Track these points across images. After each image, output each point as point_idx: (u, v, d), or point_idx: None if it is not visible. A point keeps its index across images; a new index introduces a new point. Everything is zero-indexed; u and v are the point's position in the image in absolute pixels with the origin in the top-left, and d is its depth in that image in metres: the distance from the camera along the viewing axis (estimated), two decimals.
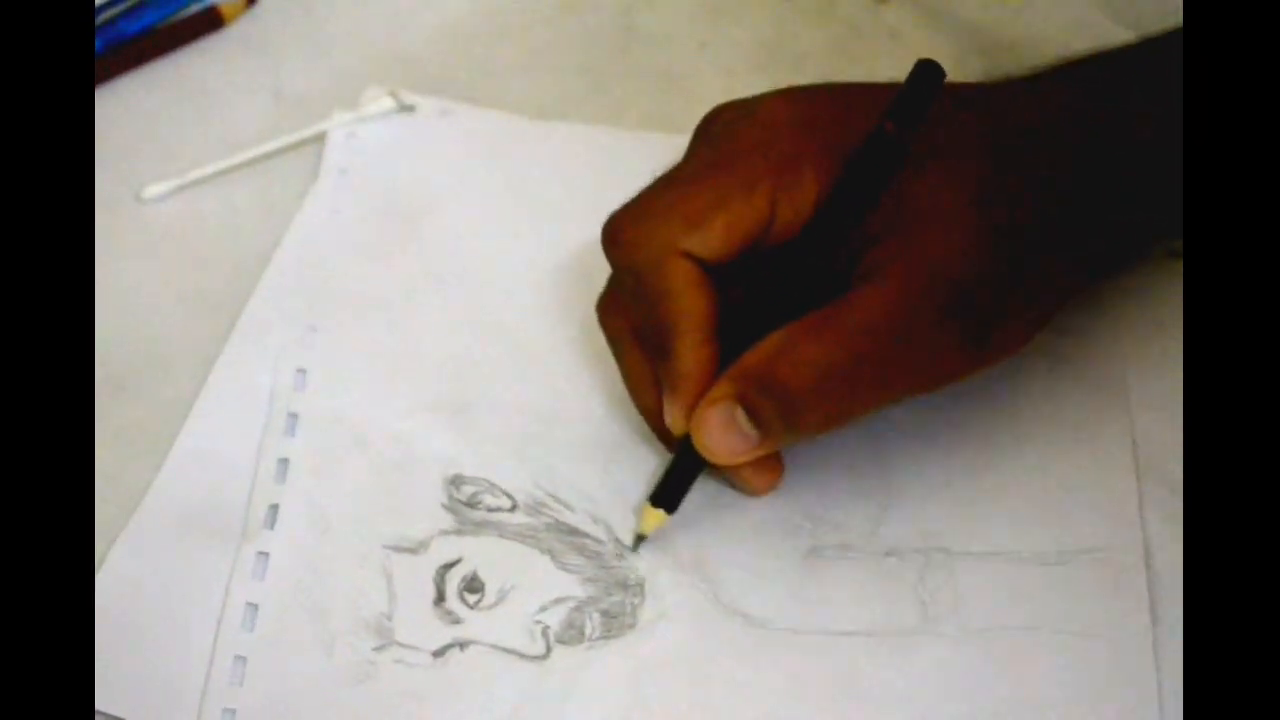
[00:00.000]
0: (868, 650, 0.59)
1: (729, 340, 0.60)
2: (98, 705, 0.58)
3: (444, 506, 0.63)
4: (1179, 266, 0.67)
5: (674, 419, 0.60)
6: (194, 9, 0.79)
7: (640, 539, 0.62)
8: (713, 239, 0.59)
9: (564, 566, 0.61)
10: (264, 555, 0.61)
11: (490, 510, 0.63)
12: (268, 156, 0.74)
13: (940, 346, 0.58)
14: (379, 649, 0.59)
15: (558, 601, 0.60)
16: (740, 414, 0.58)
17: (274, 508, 0.63)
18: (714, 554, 0.61)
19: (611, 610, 0.60)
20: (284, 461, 0.64)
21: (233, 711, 0.58)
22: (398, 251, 0.69)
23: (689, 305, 0.59)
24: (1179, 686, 0.58)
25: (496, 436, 0.65)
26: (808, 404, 0.58)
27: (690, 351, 0.59)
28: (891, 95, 0.59)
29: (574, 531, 0.62)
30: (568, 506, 0.63)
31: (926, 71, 0.59)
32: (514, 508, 0.63)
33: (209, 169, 0.73)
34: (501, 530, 0.62)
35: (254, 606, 0.60)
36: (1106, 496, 0.62)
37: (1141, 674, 0.58)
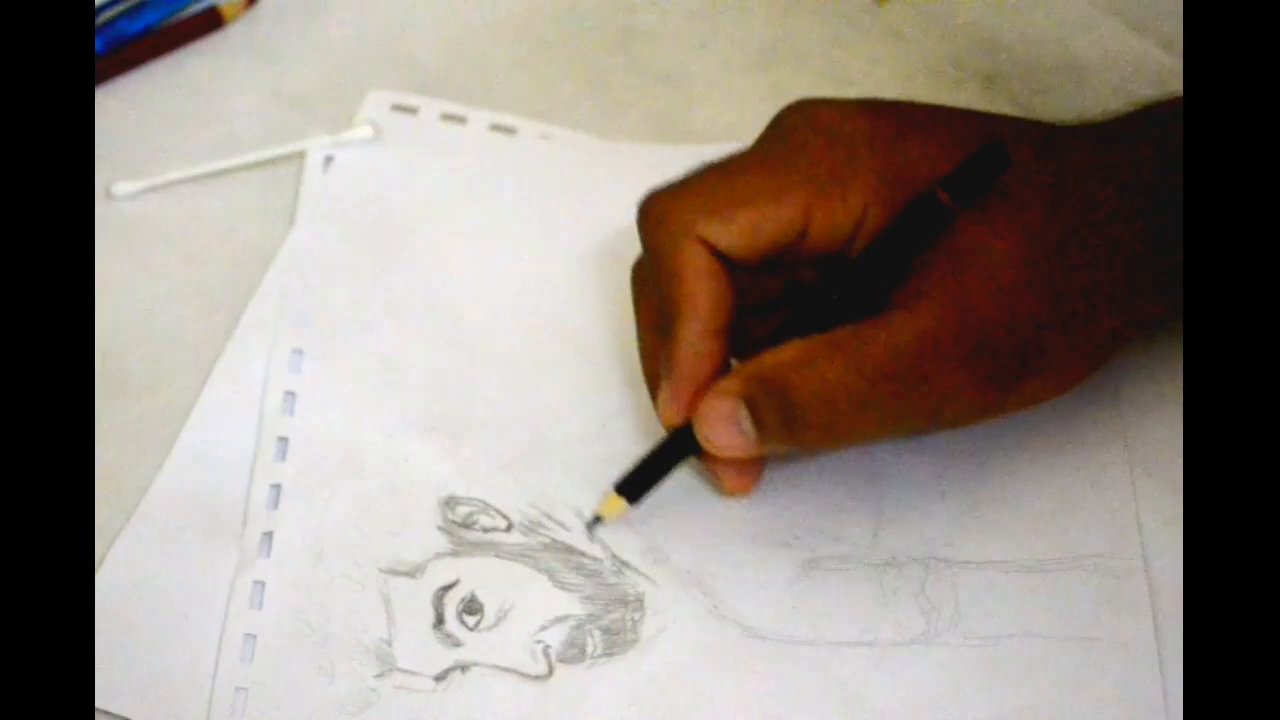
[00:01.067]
0: (870, 661, 0.59)
1: (749, 341, 0.60)
2: (98, 704, 0.58)
3: (439, 528, 0.62)
4: None
5: (662, 401, 0.60)
6: (194, 9, 0.79)
7: (597, 520, 0.62)
8: (733, 232, 0.59)
9: (562, 585, 0.61)
10: (260, 584, 0.61)
11: (486, 531, 0.62)
12: (253, 165, 0.74)
13: (959, 389, 0.58)
14: (380, 675, 0.59)
15: (558, 620, 0.60)
16: (744, 412, 0.58)
17: (268, 535, 0.62)
18: (713, 567, 0.61)
19: (612, 627, 0.60)
20: (276, 487, 0.64)
21: None
22: (383, 273, 0.69)
23: (697, 290, 0.59)
24: (1181, 690, 0.57)
25: (490, 456, 0.64)
26: (812, 420, 0.58)
27: (689, 337, 0.59)
28: (963, 132, 0.59)
29: (571, 550, 0.62)
30: (563, 525, 0.62)
31: (992, 153, 0.58)
32: (510, 528, 0.62)
33: (189, 173, 0.73)
34: (498, 550, 0.62)
35: (252, 637, 0.60)
36: (1103, 502, 0.62)
37: (1145, 679, 0.58)
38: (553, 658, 0.60)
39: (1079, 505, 0.62)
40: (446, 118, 0.75)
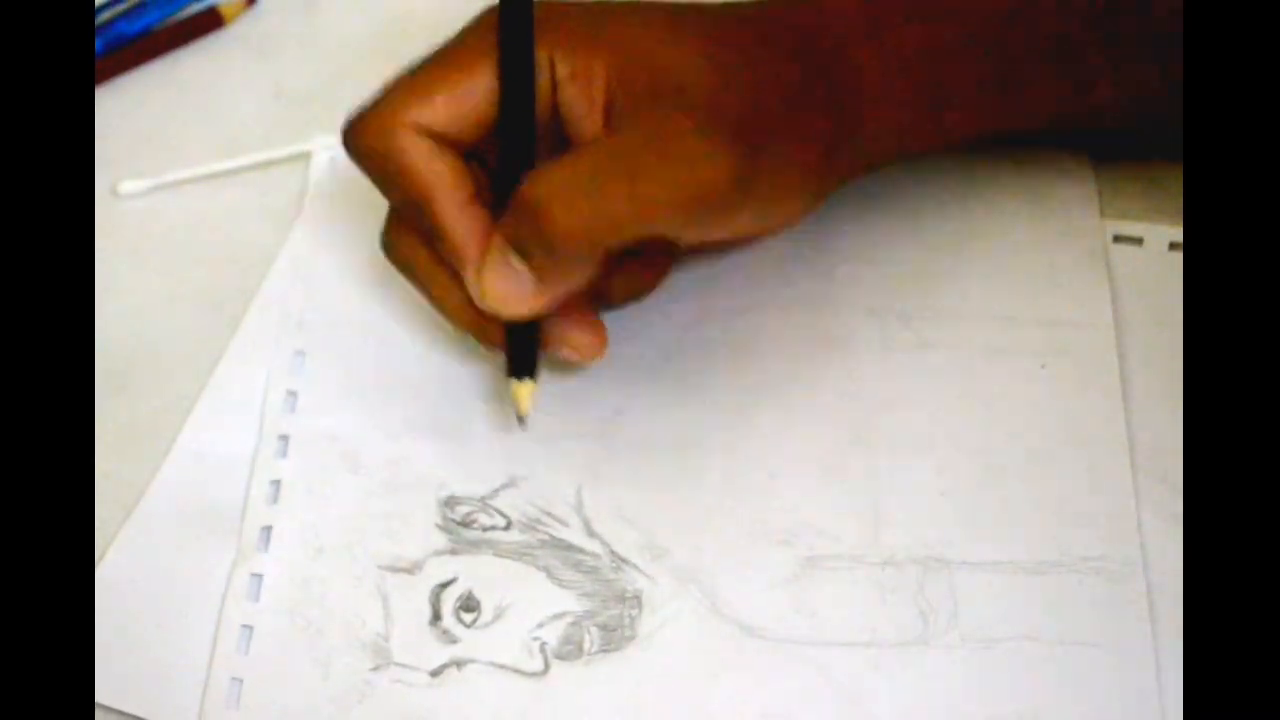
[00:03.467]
0: (867, 661, 0.59)
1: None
2: (98, 699, 0.58)
3: (438, 526, 0.62)
4: (1177, 260, 0.66)
5: (473, 290, 0.60)
6: (194, 9, 0.79)
7: (522, 420, 0.62)
8: (438, 111, 0.60)
9: (560, 582, 0.61)
10: (258, 577, 0.61)
11: (485, 529, 0.62)
12: (259, 164, 0.74)
13: (699, 155, 0.57)
14: (376, 669, 0.59)
15: (555, 617, 0.60)
16: (513, 256, 0.58)
17: (267, 529, 0.62)
18: (711, 565, 0.61)
19: (609, 624, 0.60)
20: (276, 483, 0.64)
21: None
22: (386, 272, 0.68)
23: (433, 171, 0.60)
24: (1180, 695, 0.58)
25: (489, 456, 0.64)
26: (558, 222, 0.57)
27: (452, 215, 0.60)
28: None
29: (569, 547, 0.62)
30: (562, 522, 0.62)
31: None
32: (509, 526, 0.62)
33: (194, 172, 0.73)
34: (496, 549, 0.62)
35: (249, 629, 0.60)
36: (1104, 502, 0.62)
37: (1142, 683, 0.58)
38: (549, 654, 0.60)
39: (1079, 508, 0.62)
40: None
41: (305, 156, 0.74)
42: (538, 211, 0.56)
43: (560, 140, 0.61)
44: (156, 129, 0.76)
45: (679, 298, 0.67)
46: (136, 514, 0.63)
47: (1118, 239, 0.68)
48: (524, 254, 0.58)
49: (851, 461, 0.63)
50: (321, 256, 0.70)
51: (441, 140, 0.60)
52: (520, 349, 0.61)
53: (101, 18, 0.77)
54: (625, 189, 0.56)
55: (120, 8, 0.78)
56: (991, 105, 0.65)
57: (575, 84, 0.60)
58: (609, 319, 0.63)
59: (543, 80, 0.60)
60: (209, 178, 0.73)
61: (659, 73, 0.59)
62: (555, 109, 0.60)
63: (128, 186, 0.73)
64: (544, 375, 0.64)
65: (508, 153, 0.60)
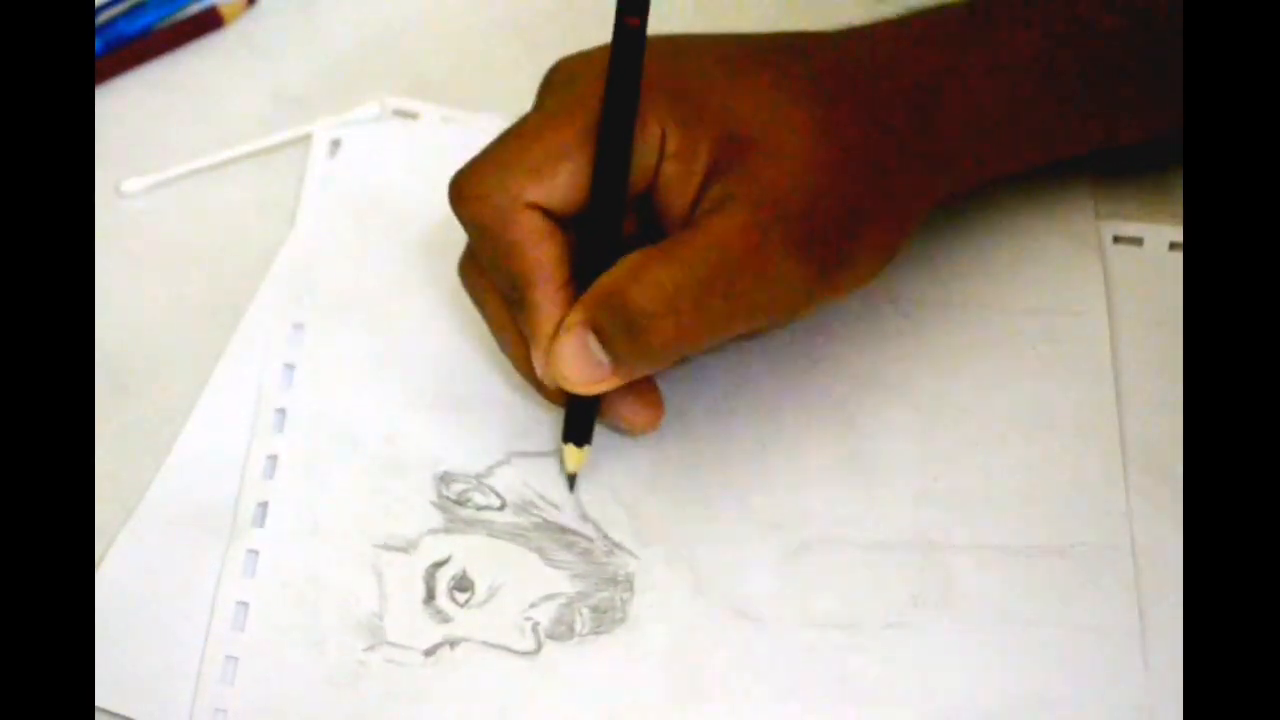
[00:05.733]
0: (857, 643, 0.59)
1: (586, 281, 0.60)
2: (96, 701, 0.58)
3: (433, 504, 0.63)
4: (1176, 260, 0.67)
5: (541, 368, 0.61)
6: (194, 9, 0.79)
7: (573, 479, 0.63)
8: (559, 189, 0.59)
9: (553, 563, 0.61)
10: (254, 553, 0.62)
11: (479, 509, 0.63)
12: (259, 153, 0.74)
13: (789, 275, 0.59)
14: (370, 648, 0.60)
15: (547, 598, 0.61)
16: (592, 340, 0.58)
17: (263, 505, 0.63)
18: (703, 548, 0.62)
19: (601, 605, 0.61)
20: (273, 458, 0.64)
21: (224, 712, 0.58)
22: (387, 250, 0.69)
23: (540, 256, 0.60)
24: (1166, 681, 0.58)
25: (485, 434, 0.65)
26: (653, 325, 0.58)
27: (546, 301, 0.60)
28: (733, 46, 0.62)
29: (563, 529, 0.62)
30: (556, 506, 0.63)
31: None
32: (503, 506, 0.63)
33: (195, 165, 0.73)
34: (490, 529, 0.62)
35: (244, 605, 0.60)
36: (1094, 488, 0.62)
37: (1129, 668, 0.59)
38: (541, 634, 0.60)
39: (1070, 493, 0.62)
40: (448, 123, 0.75)
41: (306, 139, 0.74)
42: (636, 314, 0.57)
43: (645, 205, 0.61)
44: (156, 129, 0.75)
45: None
46: (136, 515, 0.63)
47: (1118, 239, 0.68)
48: (610, 345, 0.58)
49: (843, 445, 0.64)
50: (324, 236, 0.70)
51: (552, 216, 0.60)
52: (579, 416, 0.62)
53: (101, 18, 0.77)
54: (723, 306, 0.58)
55: (120, 8, 0.78)
56: (1050, 138, 0.66)
57: (680, 161, 0.60)
58: None
59: (650, 156, 0.60)
60: (211, 169, 0.73)
61: (761, 163, 0.59)
62: (655, 180, 0.60)
63: (130, 185, 0.72)
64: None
65: (596, 232, 0.60)
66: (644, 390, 0.62)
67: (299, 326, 0.68)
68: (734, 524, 0.62)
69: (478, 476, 0.64)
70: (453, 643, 0.60)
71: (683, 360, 0.62)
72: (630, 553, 0.62)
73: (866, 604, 0.60)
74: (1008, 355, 0.66)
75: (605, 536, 0.62)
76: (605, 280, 0.58)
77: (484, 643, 0.60)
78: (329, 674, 0.59)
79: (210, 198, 0.73)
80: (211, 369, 0.67)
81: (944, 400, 0.65)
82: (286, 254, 0.70)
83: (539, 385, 0.62)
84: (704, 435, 0.64)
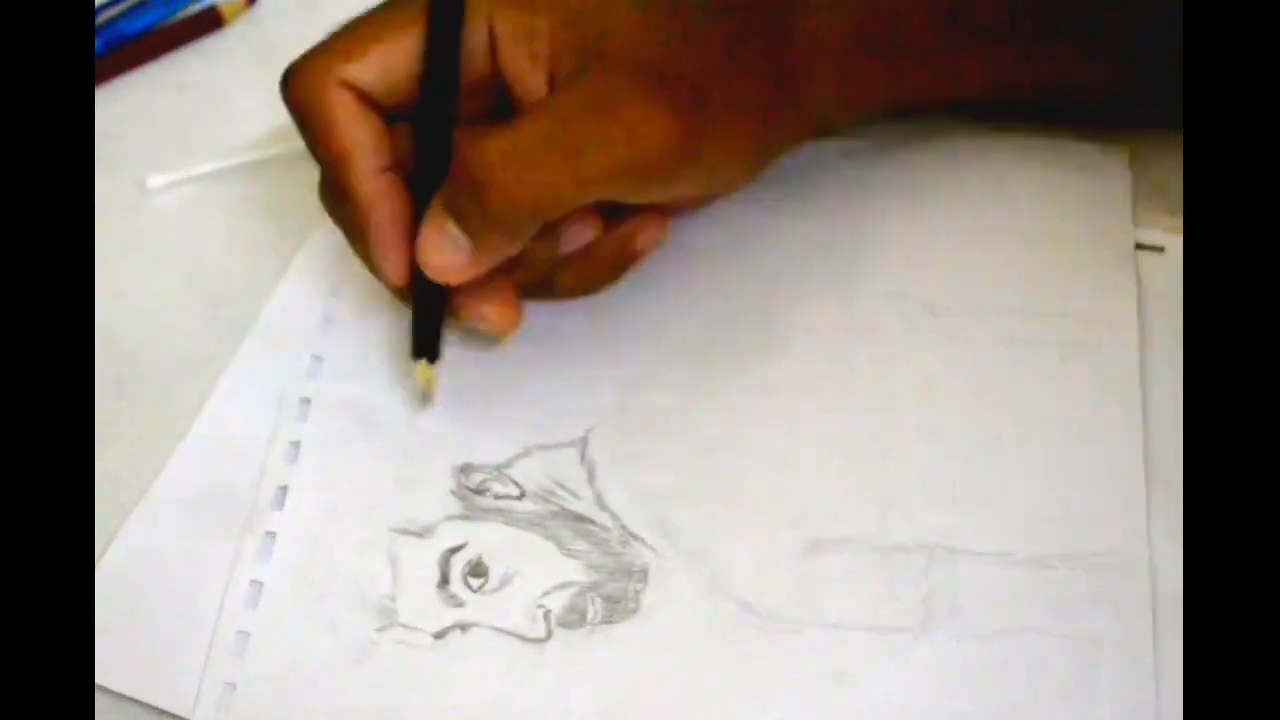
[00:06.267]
0: (866, 645, 0.59)
1: (428, 179, 0.60)
2: (100, 681, 0.59)
3: (452, 493, 0.63)
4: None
5: (379, 263, 0.60)
6: (194, 9, 0.79)
7: (427, 399, 0.63)
8: (370, 68, 0.60)
9: (568, 552, 0.62)
10: (271, 535, 0.62)
11: (498, 498, 0.63)
12: (281, 156, 0.74)
13: (643, 117, 0.57)
14: (381, 629, 0.60)
15: (561, 586, 0.61)
16: (450, 224, 0.58)
17: (283, 489, 0.63)
18: (720, 543, 0.62)
19: (614, 595, 0.61)
20: (295, 444, 0.64)
21: (233, 685, 0.59)
22: None
23: (354, 134, 0.60)
24: (1177, 695, 0.57)
25: (506, 428, 0.65)
26: (499, 191, 0.57)
27: (361, 183, 0.60)
28: None
29: (580, 519, 0.62)
30: (575, 495, 0.63)
31: None
32: (522, 495, 0.63)
33: (214, 165, 0.73)
34: (508, 517, 0.63)
35: (258, 584, 0.61)
36: (1115, 499, 0.62)
37: (1140, 682, 0.58)
38: (553, 622, 0.60)
39: (1089, 503, 0.62)
40: None
41: None
42: (479, 181, 0.57)
43: (505, 101, 0.61)
44: (156, 129, 0.76)
45: (698, 280, 0.68)
46: (148, 497, 0.64)
47: (1140, 247, 0.68)
48: (463, 222, 0.58)
49: (865, 445, 0.63)
50: None
51: (370, 100, 0.60)
52: (426, 327, 0.62)
53: (101, 18, 0.77)
54: (568, 160, 0.57)
55: (120, 8, 0.78)
56: (942, 68, 0.65)
57: (516, 43, 0.60)
58: (628, 299, 0.65)
59: (480, 39, 0.60)
60: (212, 174, 0.73)
61: (602, 32, 0.59)
62: (497, 69, 0.61)
63: (153, 181, 0.73)
64: (563, 349, 0.65)
65: (427, 114, 0.60)
66: (499, 288, 0.62)
67: (329, 318, 0.68)
68: (753, 520, 0.62)
69: (498, 468, 0.64)
70: (464, 627, 0.60)
71: (582, 292, 0.63)
72: (646, 544, 0.62)
73: (879, 606, 0.60)
74: (1035, 361, 0.65)
75: (623, 527, 0.62)
76: (455, 160, 0.58)
77: (495, 628, 0.60)
78: (339, 652, 0.59)
79: (228, 194, 0.73)
80: (229, 361, 0.67)
81: (968, 404, 0.64)
82: (308, 247, 0.70)
83: (397, 292, 0.62)
84: (726, 431, 0.64)
